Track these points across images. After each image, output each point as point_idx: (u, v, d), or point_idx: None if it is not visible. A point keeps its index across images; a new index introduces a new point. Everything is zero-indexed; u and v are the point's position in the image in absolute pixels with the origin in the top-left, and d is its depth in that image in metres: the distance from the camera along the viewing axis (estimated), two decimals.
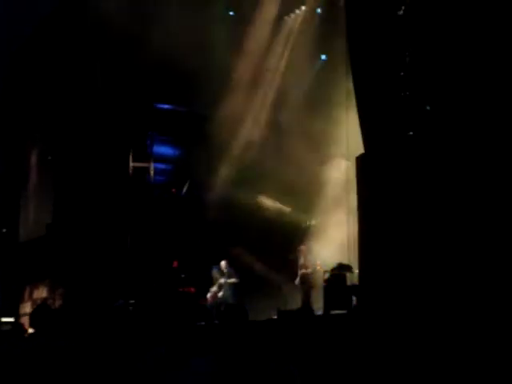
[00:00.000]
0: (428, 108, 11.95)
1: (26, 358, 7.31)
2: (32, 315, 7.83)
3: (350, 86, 13.95)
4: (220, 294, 18.76)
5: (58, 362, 7.22)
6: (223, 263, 19.03)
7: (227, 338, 5.51)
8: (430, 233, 11.09)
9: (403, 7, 12.36)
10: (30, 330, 7.76)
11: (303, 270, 17.59)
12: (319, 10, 20.04)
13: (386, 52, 12.53)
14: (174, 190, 22.34)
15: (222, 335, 5.53)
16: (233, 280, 18.81)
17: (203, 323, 14.28)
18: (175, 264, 21.12)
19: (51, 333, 7.54)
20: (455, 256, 10.58)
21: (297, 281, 17.66)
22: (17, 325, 14.03)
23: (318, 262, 17.82)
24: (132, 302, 16.06)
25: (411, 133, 12.07)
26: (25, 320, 20.57)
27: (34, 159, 25.25)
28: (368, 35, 12.89)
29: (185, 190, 22.18)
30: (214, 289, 19.00)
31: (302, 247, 18.00)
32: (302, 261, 17.67)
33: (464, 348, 9.32)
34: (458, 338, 9.47)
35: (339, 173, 17.07)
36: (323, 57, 20.11)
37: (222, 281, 18.87)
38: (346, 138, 16.25)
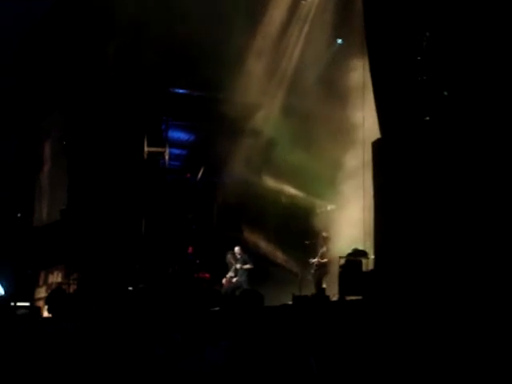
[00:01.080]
0: (445, 93, 11.86)
1: (42, 342, 7.33)
2: (48, 300, 7.84)
3: (367, 70, 13.88)
4: (235, 280, 18.78)
5: (72, 345, 7.23)
6: (237, 249, 19.04)
7: (242, 323, 5.48)
8: (446, 219, 11.03)
9: None
10: (46, 314, 7.77)
11: (319, 259, 17.56)
12: None
13: (403, 36, 12.44)
14: (188, 174, 22.33)
15: (237, 321, 5.50)
16: (248, 266, 18.83)
17: (218, 309, 14.27)
18: (190, 249, 21.16)
19: (67, 317, 7.55)
20: (472, 242, 10.53)
21: (314, 260, 17.61)
22: (33, 309, 14.09)
23: (325, 234, 17.83)
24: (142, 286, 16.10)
25: (428, 118, 12.00)
26: (40, 304, 20.69)
27: (48, 145, 25.31)
28: (385, 19, 12.80)
29: (200, 175, 22.17)
30: (230, 274, 19.02)
31: (325, 234, 17.93)
32: (322, 248, 17.63)
33: (481, 338, 9.26)
34: (474, 327, 9.41)
35: (355, 158, 16.97)
36: (339, 41, 19.96)
37: (237, 266, 18.89)
38: (363, 122, 16.14)
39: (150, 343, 6.25)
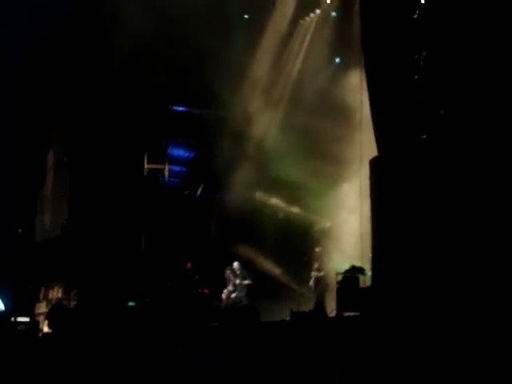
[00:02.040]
0: (442, 112, 11.93)
1: (42, 357, 7.40)
2: (48, 315, 7.91)
3: (365, 88, 13.95)
4: (234, 295, 18.82)
5: (72, 360, 7.29)
6: (236, 264, 19.09)
7: (234, 338, 5.56)
8: (443, 237, 11.06)
9: (418, 11, 12.36)
10: (46, 330, 7.85)
11: (317, 273, 17.63)
12: (334, 14, 20.03)
13: (401, 55, 12.52)
14: (186, 191, 22.39)
15: (229, 336, 5.58)
16: (247, 282, 18.87)
17: (216, 324, 14.33)
18: (189, 265, 21.20)
19: (67, 332, 7.62)
20: (469, 260, 10.57)
21: (311, 282, 17.70)
22: (33, 324, 14.15)
23: (318, 249, 17.88)
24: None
25: (425, 136, 12.05)
26: (40, 319, 20.71)
27: (50, 161, 25.39)
28: (382, 39, 12.88)
29: (199, 192, 22.23)
30: (229, 289, 19.05)
31: (318, 249, 18.03)
32: (317, 263, 17.71)
33: (481, 354, 9.31)
34: (473, 343, 9.46)
35: (353, 175, 17.04)
36: (337, 60, 20.10)
37: (236, 282, 18.93)
38: (360, 141, 16.23)
39: (152, 357, 6.33)
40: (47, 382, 7.33)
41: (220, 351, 5.69)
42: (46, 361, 7.36)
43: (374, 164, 12.85)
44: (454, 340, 9.61)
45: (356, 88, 16.41)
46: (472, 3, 11.48)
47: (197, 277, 20.64)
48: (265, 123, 20.31)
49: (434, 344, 9.78)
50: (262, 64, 19.96)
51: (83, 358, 7.50)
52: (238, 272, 18.98)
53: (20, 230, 26.19)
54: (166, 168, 21.47)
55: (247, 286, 18.84)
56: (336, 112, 18.33)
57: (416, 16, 12.42)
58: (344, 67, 19.12)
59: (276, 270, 20.18)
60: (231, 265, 19.20)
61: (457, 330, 9.71)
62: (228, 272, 19.25)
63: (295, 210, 20.72)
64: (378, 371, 10.18)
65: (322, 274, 17.50)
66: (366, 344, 10.70)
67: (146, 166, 21.02)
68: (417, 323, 10.33)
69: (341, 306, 13.86)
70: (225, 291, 19.14)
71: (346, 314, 13.33)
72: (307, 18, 20.52)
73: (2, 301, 24.59)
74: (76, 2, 22.98)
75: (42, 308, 23.46)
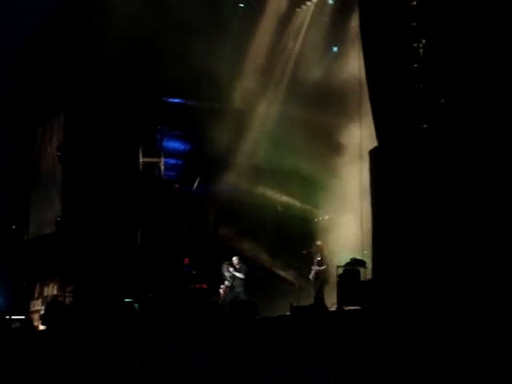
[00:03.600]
0: (442, 101, 11.84)
1: (36, 355, 7.26)
2: (44, 312, 7.78)
3: (363, 78, 13.83)
4: (232, 291, 18.67)
5: (67, 358, 7.16)
6: (235, 259, 18.94)
7: (232, 333, 5.51)
8: (443, 226, 11.02)
9: None
10: (41, 327, 7.72)
11: (317, 267, 17.48)
12: (331, 1, 19.87)
13: (400, 43, 12.42)
14: (177, 185, 22.25)
15: (226, 331, 5.53)
16: (240, 275, 18.70)
17: (215, 319, 14.18)
18: (186, 260, 21.06)
19: (62, 329, 7.50)
20: (470, 250, 10.51)
21: (311, 275, 17.53)
22: (27, 322, 13.99)
23: (319, 243, 17.78)
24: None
25: (425, 126, 11.97)
26: (35, 317, 20.56)
27: (43, 156, 25.22)
28: (381, 27, 12.78)
29: (196, 185, 22.09)
30: (226, 284, 18.91)
31: (319, 243, 17.88)
32: (318, 257, 17.56)
33: (482, 350, 9.20)
34: (474, 338, 9.35)
35: (352, 166, 16.92)
36: (335, 48, 19.94)
37: (236, 275, 18.78)
38: (360, 131, 16.11)
39: (150, 353, 6.22)
40: (42, 379, 7.22)
41: (214, 347, 5.61)
42: (40, 359, 7.25)
43: (374, 154, 12.81)
44: (456, 334, 9.50)
45: (354, 77, 16.28)
46: None
47: (194, 272, 20.50)
48: (261, 114, 20.19)
49: (435, 338, 9.67)
50: (257, 54, 19.82)
51: (79, 356, 7.39)
52: (237, 266, 18.83)
53: (14, 227, 26.03)
54: (162, 161, 21.30)
55: (244, 280, 18.69)
56: (334, 102, 18.22)
57: (415, 3, 12.33)
58: (342, 56, 18.96)
59: (275, 264, 20.05)
60: (228, 259, 19.05)
61: (458, 324, 9.60)
62: (225, 267, 19.10)
63: (294, 202, 20.58)
64: (378, 365, 10.06)
65: (322, 268, 17.35)
66: (367, 338, 10.57)
67: (141, 159, 20.83)
68: (418, 317, 10.22)
69: (341, 299, 13.74)
70: (222, 286, 19.00)
71: (347, 307, 13.20)
72: (304, 6, 20.34)
73: None
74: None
75: (37, 305, 23.31)
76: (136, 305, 15.82)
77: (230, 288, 18.74)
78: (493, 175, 10.60)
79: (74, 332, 7.93)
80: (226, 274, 18.83)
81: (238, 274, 18.66)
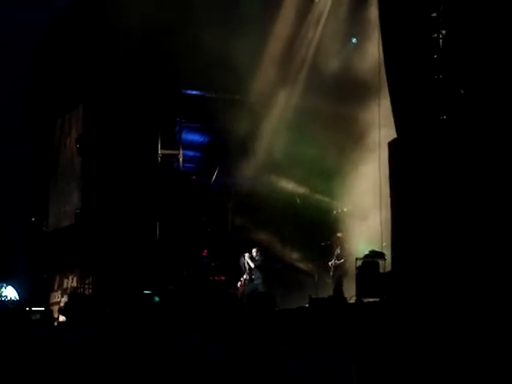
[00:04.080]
0: (462, 91, 11.78)
1: (57, 347, 7.29)
2: (66, 303, 7.81)
3: (382, 69, 13.76)
4: (251, 283, 18.68)
5: (86, 350, 7.19)
6: (254, 251, 18.94)
7: (251, 325, 5.51)
8: (464, 218, 10.95)
9: None
10: (61, 319, 7.74)
11: (336, 260, 17.45)
12: None
13: (419, 34, 12.34)
14: (194, 177, 22.28)
15: (245, 323, 5.53)
16: (254, 264, 18.67)
17: (233, 311, 14.20)
18: (205, 252, 21.09)
19: (82, 321, 7.53)
20: (491, 241, 10.45)
21: (331, 266, 17.50)
22: (47, 313, 14.05)
23: (339, 234, 17.73)
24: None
25: (444, 117, 11.91)
26: (55, 309, 20.67)
27: (63, 149, 25.30)
28: (401, 17, 12.70)
29: (214, 177, 22.10)
30: (245, 277, 18.94)
31: (340, 234, 17.85)
32: (338, 249, 17.53)
33: (501, 338, 9.16)
34: (493, 327, 9.31)
35: (371, 158, 16.85)
36: (354, 40, 19.84)
37: (252, 268, 18.79)
38: (379, 122, 16.03)
39: (168, 345, 6.22)
40: (62, 370, 7.25)
41: (232, 339, 5.63)
42: (60, 350, 7.28)
43: (393, 146, 12.76)
44: (476, 327, 9.45)
45: (373, 69, 16.20)
46: None
47: (213, 264, 20.53)
48: (280, 105, 20.15)
49: (454, 330, 9.63)
50: (276, 45, 19.75)
51: (99, 347, 7.41)
52: (256, 258, 18.83)
53: (33, 219, 26.14)
54: (180, 153, 21.31)
55: (262, 272, 18.69)
56: (353, 93, 18.14)
57: None
58: (361, 47, 18.86)
59: (294, 256, 20.05)
60: (247, 251, 19.06)
61: (479, 317, 9.55)
62: (243, 259, 19.13)
63: (312, 194, 20.55)
64: (398, 358, 10.04)
65: (341, 261, 17.32)
66: (386, 331, 10.55)
67: (159, 151, 20.85)
68: (437, 309, 10.18)
69: (360, 291, 13.70)
70: (241, 279, 19.02)
71: (366, 299, 13.16)
72: None
73: (16, 290, 24.57)
74: None
75: (57, 297, 23.43)
76: (156, 297, 15.87)
77: (249, 280, 18.76)
78: None
79: (94, 323, 7.96)
80: (246, 266, 18.86)
81: (253, 264, 18.66)
